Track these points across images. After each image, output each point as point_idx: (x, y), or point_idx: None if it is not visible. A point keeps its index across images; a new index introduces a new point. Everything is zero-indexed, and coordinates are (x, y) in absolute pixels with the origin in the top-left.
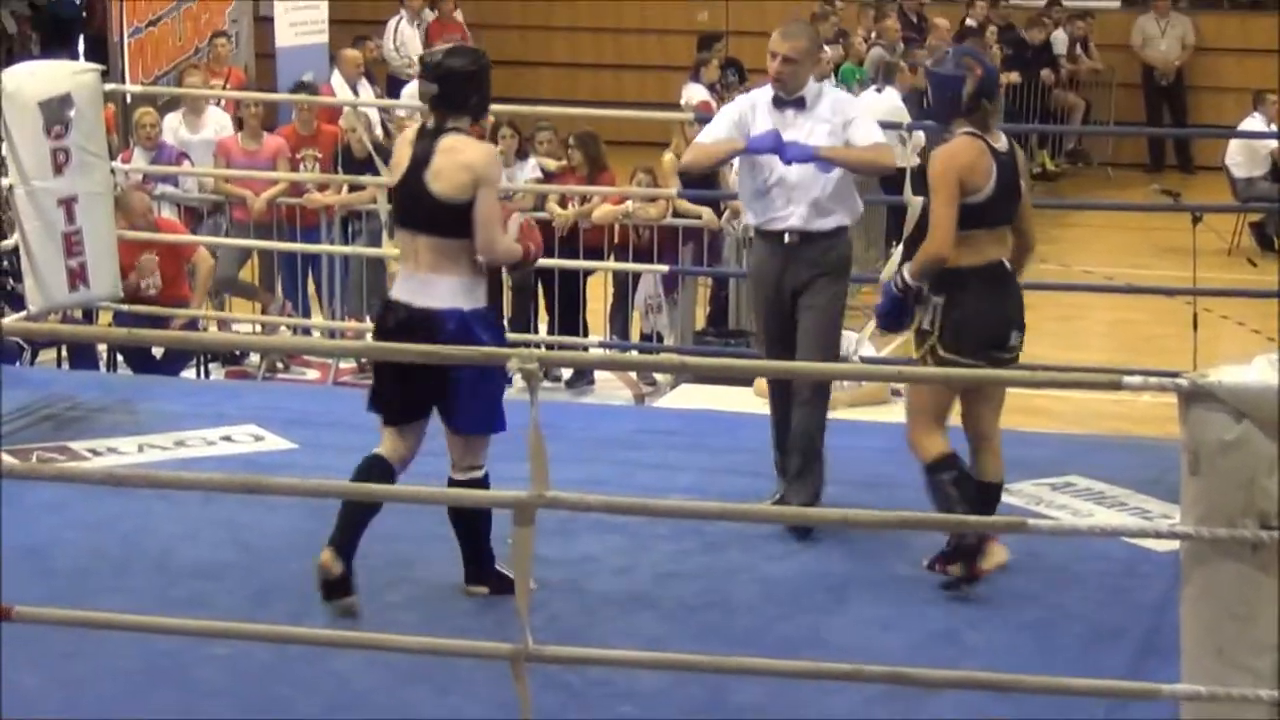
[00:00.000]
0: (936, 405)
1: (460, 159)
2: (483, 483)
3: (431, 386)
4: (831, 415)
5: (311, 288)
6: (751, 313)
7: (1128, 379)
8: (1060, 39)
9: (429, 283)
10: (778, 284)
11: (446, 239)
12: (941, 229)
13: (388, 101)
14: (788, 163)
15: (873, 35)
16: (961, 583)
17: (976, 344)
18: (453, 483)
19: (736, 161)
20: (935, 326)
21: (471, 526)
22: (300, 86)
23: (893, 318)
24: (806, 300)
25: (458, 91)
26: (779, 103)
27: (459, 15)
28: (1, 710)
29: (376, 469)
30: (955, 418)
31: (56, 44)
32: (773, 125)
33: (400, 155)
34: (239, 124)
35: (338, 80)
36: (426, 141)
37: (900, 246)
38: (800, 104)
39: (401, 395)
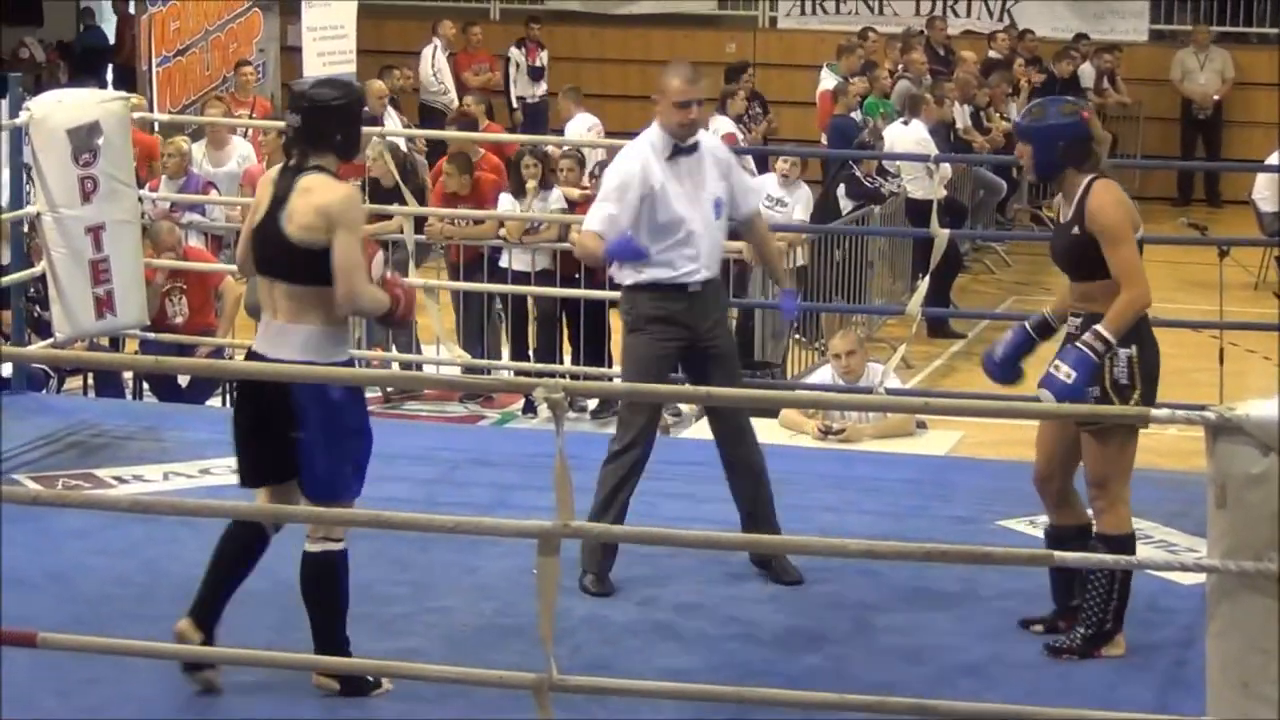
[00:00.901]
0: (1127, 467)
1: (314, 200)
2: (335, 561)
3: (285, 445)
4: (856, 447)
5: None
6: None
7: (1155, 412)
8: (1088, 72)
9: (284, 333)
10: (680, 332)
11: (302, 286)
12: (1139, 274)
13: (415, 131)
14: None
15: (899, 68)
16: (1071, 652)
17: (1156, 388)
18: (305, 554)
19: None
20: (1136, 379)
21: (325, 609)
22: None
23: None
24: (714, 347)
25: (321, 126)
26: (676, 151)
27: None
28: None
29: (242, 534)
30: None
31: (85, 73)
32: (670, 178)
33: (261, 194)
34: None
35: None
36: (287, 180)
37: (927, 278)
38: (693, 149)
39: (256, 454)
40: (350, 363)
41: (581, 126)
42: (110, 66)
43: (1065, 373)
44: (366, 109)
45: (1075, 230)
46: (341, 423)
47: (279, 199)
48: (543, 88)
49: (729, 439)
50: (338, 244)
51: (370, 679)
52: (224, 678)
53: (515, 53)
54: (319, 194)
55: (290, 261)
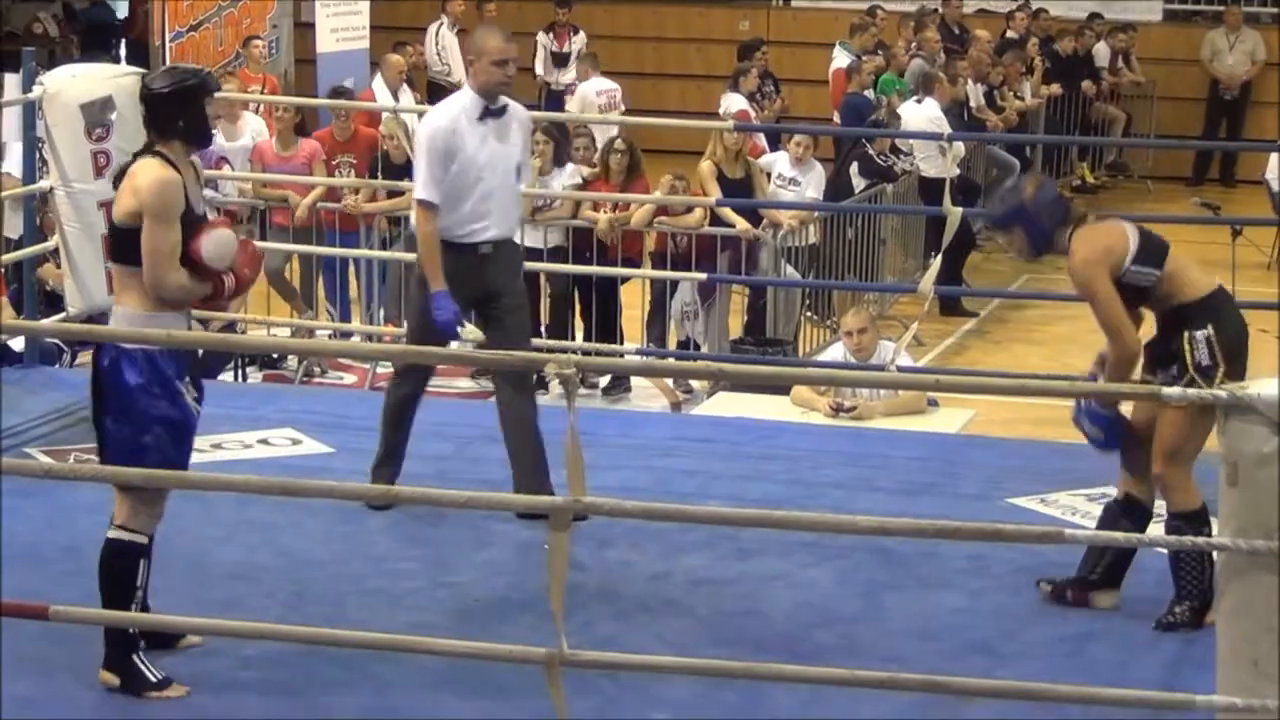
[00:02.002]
0: (1196, 444)
1: (131, 184)
2: (126, 550)
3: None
4: (868, 424)
5: (353, 291)
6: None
7: (1167, 391)
8: (1102, 51)
9: (113, 312)
10: (470, 289)
11: (120, 265)
12: (1120, 327)
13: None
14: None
15: (913, 46)
16: (1184, 625)
17: (1245, 362)
18: (107, 538)
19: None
20: (1218, 358)
21: (111, 597)
22: (335, 92)
23: (1115, 434)
24: (506, 302)
25: (159, 113)
26: (486, 113)
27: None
28: (2, 711)
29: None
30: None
31: (94, 48)
32: (477, 138)
33: None
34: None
35: (379, 85)
36: (130, 163)
37: (939, 257)
38: (502, 112)
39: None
40: (183, 352)
41: (590, 90)
42: (123, 41)
43: (1093, 433)
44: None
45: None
46: (138, 410)
47: (118, 182)
48: (569, 75)
49: (511, 396)
50: (145, 230)
51: (153, 678)
52: (236, 651)
53: (543, 37)
54: (137, 178)
55: (112, 241)
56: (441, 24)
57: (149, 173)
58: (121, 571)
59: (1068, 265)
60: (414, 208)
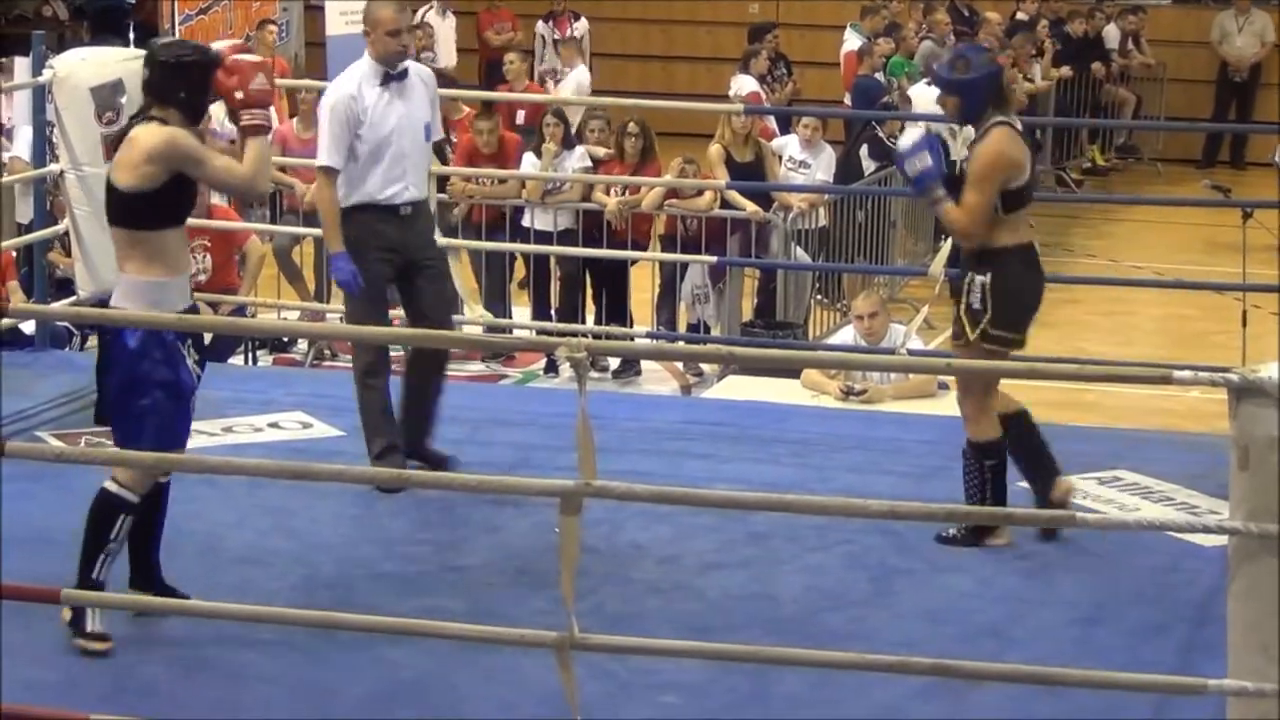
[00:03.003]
0: (994, 380)
1: (143, 148)
2: (112, 501)
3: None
4: (878, 408)
5: None
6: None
7: (1178, 373)
8: (1112, 34)
9: (119, 280)
10: (394, 253)
11: (127, 231)
12: (975, 213)
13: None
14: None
15: (923, 28)
16: (958, 541)
17: (1022, 318)
18: (101, 488)
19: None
20: (986, 305)
21: (92, 544)
22: None
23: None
24: (428, 267)
25: (162, 81)
26: (388, 79)
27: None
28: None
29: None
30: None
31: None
32: (383, 103)
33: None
34: (292, 112)
35: None
36: (124, 131)
37: (950, 240)
38: (404, 75)
39: (100, 393)
40: (190, 312)
41: (571, 83)
42: (131, 25)
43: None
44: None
45: (961, 169)
46: (139, 373)
47: (116, 149)
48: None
49: (423, 365)
50: (200, 179)
51: (90, 627)
52: (248, 634)
53: (542, 27)
54: (142, 143)
55: (114, 209)
56: (430, 9)
57: (153, 134)
58: (102, 521)
59: (979, 147)
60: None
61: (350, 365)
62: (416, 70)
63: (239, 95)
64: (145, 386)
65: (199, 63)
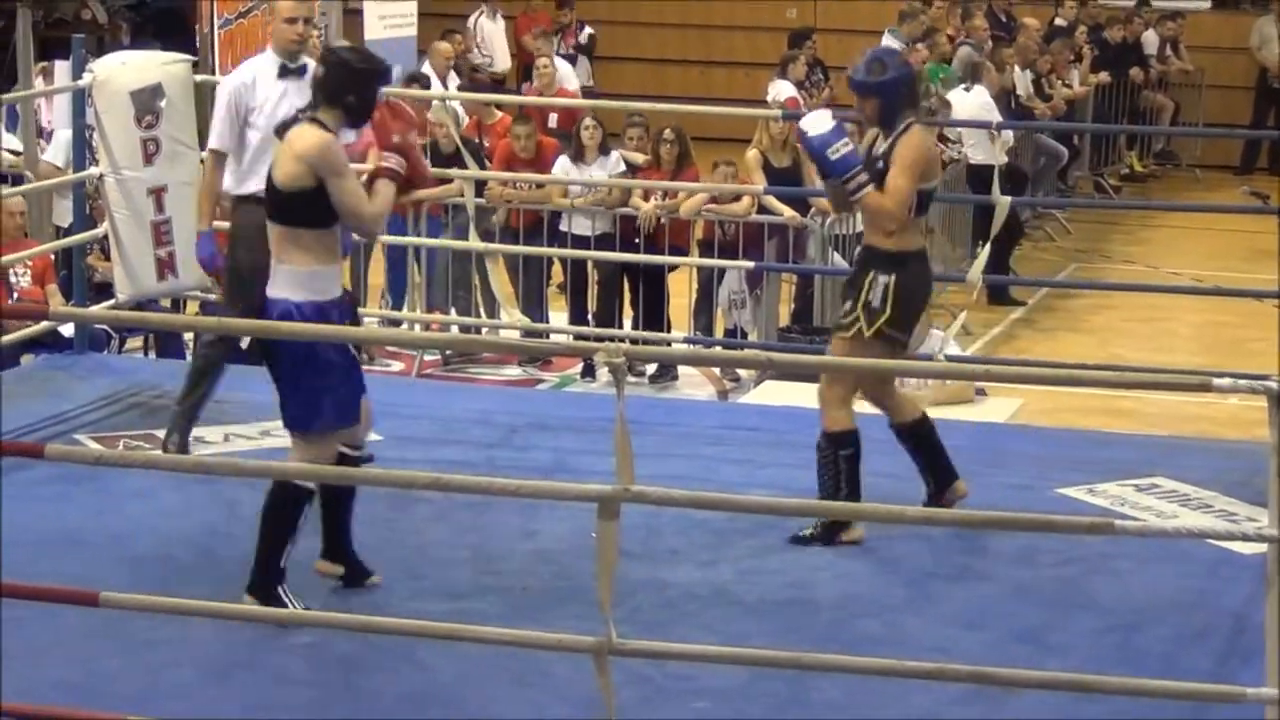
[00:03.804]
0: (853, 385)
1: (294, 149)
2: (298, 497)
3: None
4: None
5: (414, 278)
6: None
7: (1218, 381)
8: (1151, 39)
9: (275, 271)
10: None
11: (285, 226)
12: (901, 200)
13: (475, 95)
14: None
15: (961, 34)
16: (815, 540)
17: (913, 319)
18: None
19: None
20: (886, 305)
21: (271, 535)
22: (411, 79)
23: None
24: None
25: (337, 83)
26: (285, 72)
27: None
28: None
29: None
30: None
31: (166, 32)
32: (277, 94)
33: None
34: None
35: (427, 72)
36: (286, 129)
37: (988, 246)
38: (302, 71)
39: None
40: (342, 300)
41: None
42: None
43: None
44: (430, 72)
45: (881, 165)
46: (311, 357)
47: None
48: (582, 71)
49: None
50: (330, 189)
51: (295, 608)
52: (273, 638)
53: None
54: (298, 143)
55: (273, 203)
56: (482, 13)
57: (306, 138)
58: (284, 512)
59: (903, 139)
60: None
61: (386, 369)
62: (315, 68)
63: (395, 138)
64: (319, 368)
65: (372, 72)
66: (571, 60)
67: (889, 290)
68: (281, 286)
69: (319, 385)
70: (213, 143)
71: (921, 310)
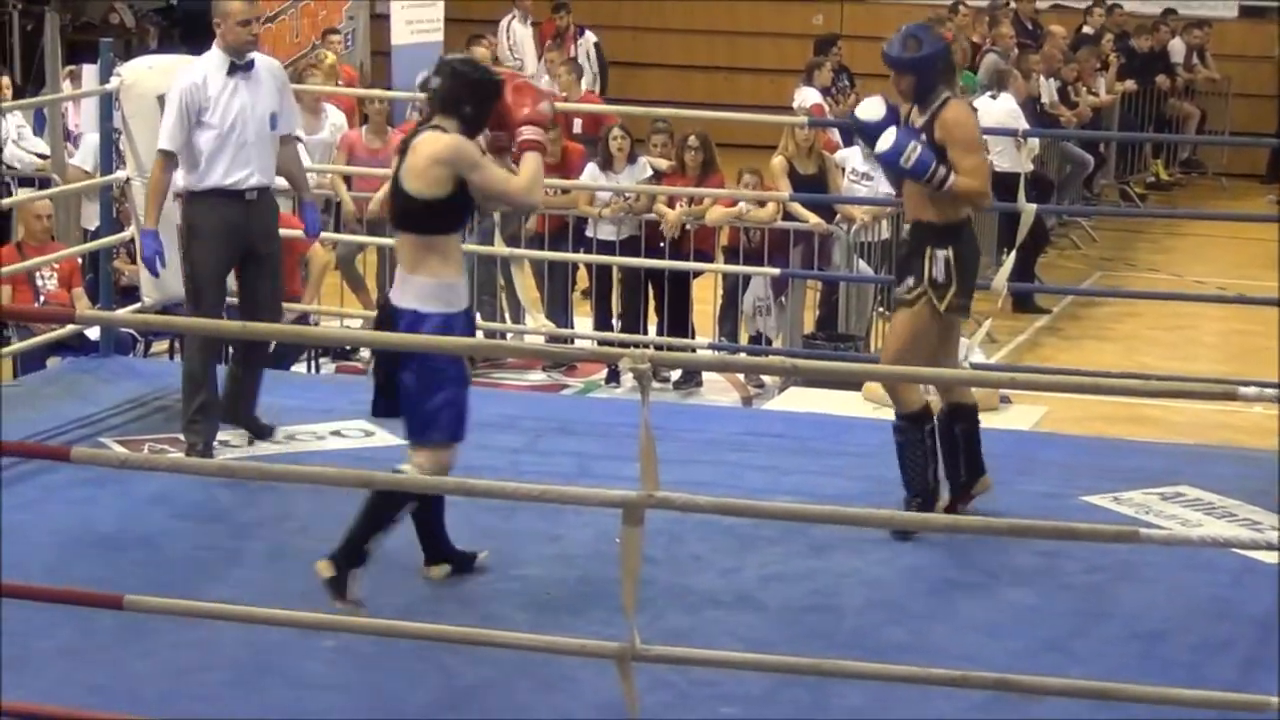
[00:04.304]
0: (925, 356)
1: (427, 153)
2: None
3: (395, 384)
4: None
5: None
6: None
7: (1243, 389)
8: (1177, 48)
9: (403, 281)
10: (238, 239)
11: (417, 236)
12: (987, 177)
13: None
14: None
15: (987, 41)
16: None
17: (973, 285)
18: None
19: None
20: (951, 277)
21: (372, 519)
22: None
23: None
24: (267, 258)
25: (454, 93)
26: (234, 69)
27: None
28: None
29: None
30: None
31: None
32: (228, 92)
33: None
34: (363, 119)
35: None
36: (409, 139)
37: (1013, 253)
38: (250, 66)
39: (377, 389)
40: (467, 312)
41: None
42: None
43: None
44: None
45: (924, 139)
46: (432, 366)
47: (402, 155)
48: (585, 79)
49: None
50: (473, 183)
51: (352, 593)
52: (298, 642)
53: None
54: (430, 147)
55: (405, 213)
56: (513, 18)
57: (436, 142)
58: (390, 502)
59: (944, 118)
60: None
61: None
62: (264, 62)
63: (525, 112)
64: (439, 378)
65: (488, 82)
66: (575, 70)
67: (949, 263)
68: (411, 297)
69: (437, 399)
70: (163, 143)
71: (976, 275)
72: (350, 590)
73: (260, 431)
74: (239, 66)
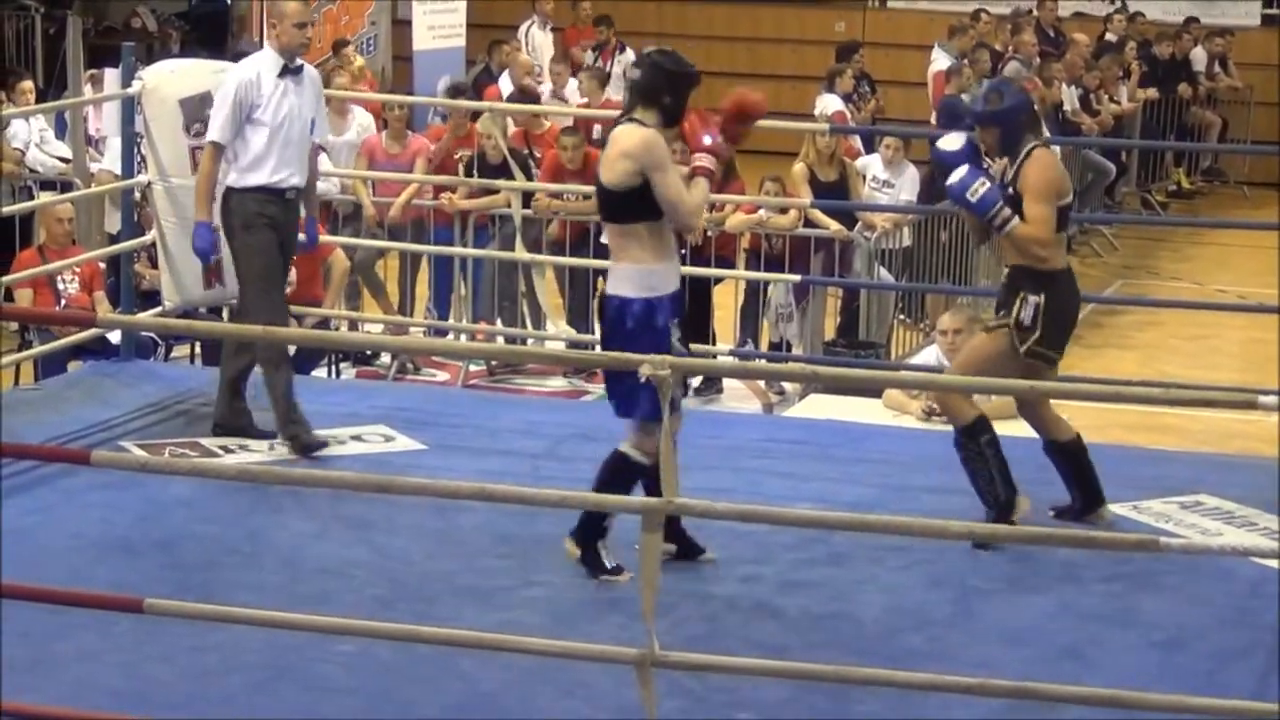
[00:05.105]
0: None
1: (619, 148)
2: (630, 465)
3: None
4: None
5: (461, 289)
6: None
7: (1263, 398)
8: (1199, 56)
9: (611, 269)
10: (284, 236)
11: (617, 225)
12: (1046, 225)
13: (521, 107)
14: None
15: (1009, 49)
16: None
17: (1065, 339)
18: (616, 450)
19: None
20: (1037, 324)
21: (602, 489)
22: (455, 90)
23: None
24: (290, 252)
25: (654, 85)
26: (285, 71)
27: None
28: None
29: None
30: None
31: (210, 40)
32: (279, 92)
33: None
34: (383, 124)
35: (505, 82)
36: (610, 132)
37: None
38: (299, 71)
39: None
40: (675, 295)
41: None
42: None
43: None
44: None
45: (1010, 190)
46: (633, 348)
47: (603, 147)
48: (618, 95)
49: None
50: (653, 184)
51: (608, 565)
52: (316, 646)
53: (588, 57)
54: (622, 142)
55: (604, 204)
56: (533, 23)
57: (631, 135)
58: (616, 479)
59: (1028, 167)
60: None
61: (431, 379)
62: (307, 69)
63: (705, 140)
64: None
65: (687, 75)
66: (607, 80)
67: (1039, 309)
68: (617, 284)
69: (635, 379)
70: (215, 135)
71: (1073, 328)
72: (604, 560)
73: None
74: (290, 69)
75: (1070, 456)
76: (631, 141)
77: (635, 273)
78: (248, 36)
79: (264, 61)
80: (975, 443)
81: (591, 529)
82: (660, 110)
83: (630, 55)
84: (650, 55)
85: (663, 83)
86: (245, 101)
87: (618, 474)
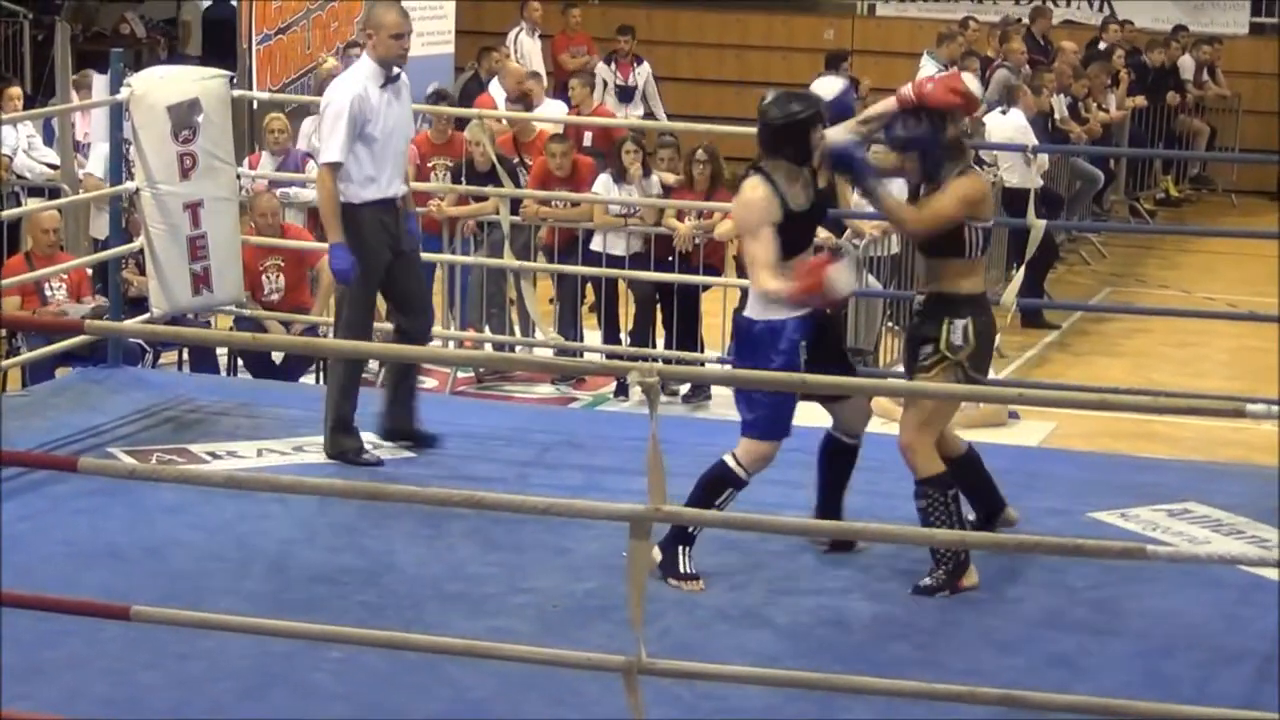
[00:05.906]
0: (942, 419)
1: (735, 200)
2: (730, 478)
3: None
4: None
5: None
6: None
7: (1251, 407)
8: (1187, 64)
9: (751, 292)
10: (392, 245)
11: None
12: (935, 220)
13: (510, 113)
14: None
15: (999, 57)
16: (935, 590)
17: (988, 361)
18: (721, 460)
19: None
20: (969, 344)
21: (697, 501)
22: (438, 96)
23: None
24: (410, 252)
25: (770, 139)
26: (387, 81)
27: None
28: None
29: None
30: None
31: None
32: (384, 103)
33: None
34: None
35: (496, 89)
36: (742, 178)
37: (1022, 269)
38: (397, 78)
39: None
40: (801, 320)
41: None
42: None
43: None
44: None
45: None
46: (759, 366)
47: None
48: (638, 111)
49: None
50: (744, 243)
51: (684, 569)
52: (305, 653)
53: (604, 69)
54: (739, 194)
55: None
56: (521, 30)
57: (742, 193)
58: (714, 489)
59: (943, 192)
60: (320, 169)
61: (419, 386)
62: (403, 78)
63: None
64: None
65: (795, 124)
66: (628, 95)
67: (968, 330)
68: (746, 305)
69: (758, 396)
70: (335, 155)
71: (991, 354)
72: (681, 565)
73: (425, 440)
74: (390, 79)
75: (963, 468)
76: (739, 200)
77: (760, 295)
78: (240, 47)
79: (368, 75)
80: (943, 495)
81: (681, 530)
82: (786, 159)
83: (647, 68)
84: (761, 108)
85: (779, 137)
86: (359, 117)
87: (716, 489)
